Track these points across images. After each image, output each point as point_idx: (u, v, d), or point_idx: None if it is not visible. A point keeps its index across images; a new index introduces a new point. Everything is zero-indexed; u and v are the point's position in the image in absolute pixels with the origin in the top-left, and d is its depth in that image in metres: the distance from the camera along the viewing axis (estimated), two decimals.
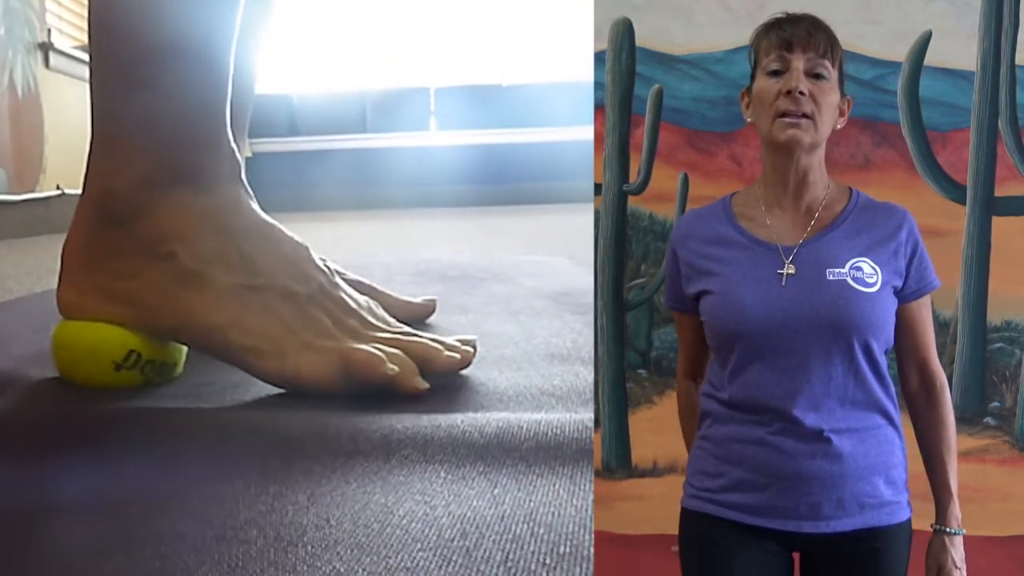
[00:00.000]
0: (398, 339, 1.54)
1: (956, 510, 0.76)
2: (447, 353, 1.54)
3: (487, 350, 1.71)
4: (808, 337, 0.71)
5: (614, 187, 0.92)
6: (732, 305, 0.73)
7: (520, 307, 2.39)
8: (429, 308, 2.15)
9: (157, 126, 1.53)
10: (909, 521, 0.75)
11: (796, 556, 0.76)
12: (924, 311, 0.76)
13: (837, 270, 0.72)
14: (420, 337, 1.59)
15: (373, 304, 1.64)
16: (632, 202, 0.92)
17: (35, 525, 1.05)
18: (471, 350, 1.61)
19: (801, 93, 0.71)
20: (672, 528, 0.78)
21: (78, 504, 1.10)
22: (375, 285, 2.02)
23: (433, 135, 9.19)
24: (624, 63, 0.90)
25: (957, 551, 0.75)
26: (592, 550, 0.94)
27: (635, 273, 0.91)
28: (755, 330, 0.72)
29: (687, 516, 0.77)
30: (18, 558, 0.97)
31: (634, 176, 0.91)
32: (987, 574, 0.89)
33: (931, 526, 0.76)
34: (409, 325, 1.69)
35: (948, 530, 0.75)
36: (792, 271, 0.73)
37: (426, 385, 1.47)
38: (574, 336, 1.97)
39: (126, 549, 0.97)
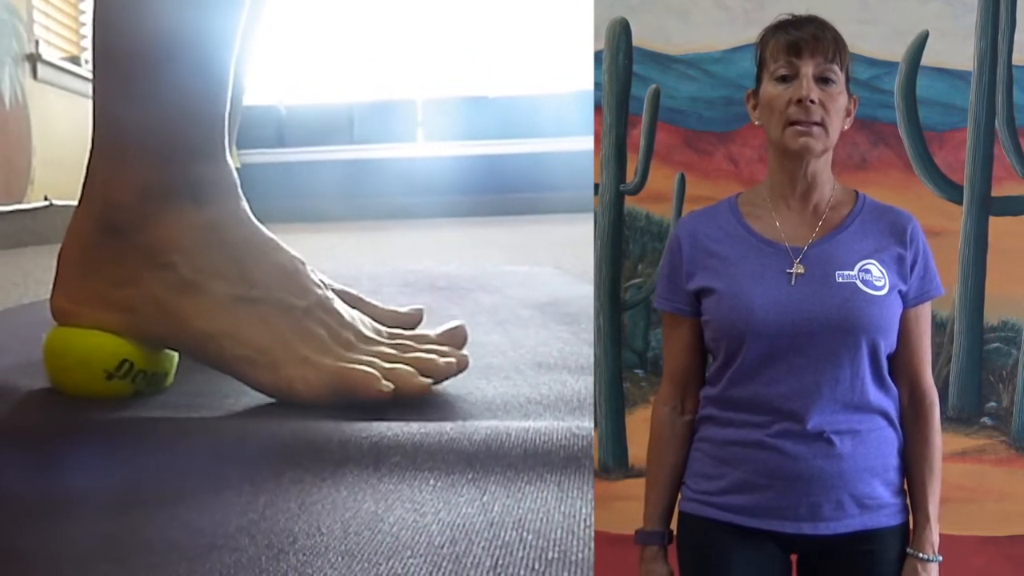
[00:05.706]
0: (393, 354, 1.54)
1: (932, 536, 0.73)
2: (443, 360, 1.54)
3: (475, 360, 1.71)
4: (816, 338, 0.71)
5: (611, 187, 0.92)
6: (740, 304, 0.72)
7: (507, 317, 2.39)
8: (416, 318, 2.14)
9: (159, 135, 1.53)
10: (906, 524, 0.74)
11: (794, 559, 0.75)
12: (923, 321, 0.75)
13: (847, 272, 0.72)
14: (412, 345, 1.59)
15: (367, 318, 1.65)
16: (629, 202, 0.92)
17: (24, 534, 1.04)
18: (466, 354, 1.61)
19: (812, 102, 0.71)
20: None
21: (68, 513, 1.09)
22: (361, 296, 2.02)
23: (420, 146, 9.21)
24: (621, 63, 0.90)
25: None
26: (580, 555, 0.94)
27: (632, 273, 0.91)
28: (763, 330, 0.71)
29: (685, 520, 0.76)
30: (6, 567, 0.96)
31: (631, 176, 0.91)
32: (985, 574, 0.89)
33: (907, 550, 0.74)
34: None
35: (921, 556, 0.73)
36: (801, 271, 0.72)
37: (430, 381, 1.48)
38: (561, 345, 1.97)
39: (116, 558, 0.97)
